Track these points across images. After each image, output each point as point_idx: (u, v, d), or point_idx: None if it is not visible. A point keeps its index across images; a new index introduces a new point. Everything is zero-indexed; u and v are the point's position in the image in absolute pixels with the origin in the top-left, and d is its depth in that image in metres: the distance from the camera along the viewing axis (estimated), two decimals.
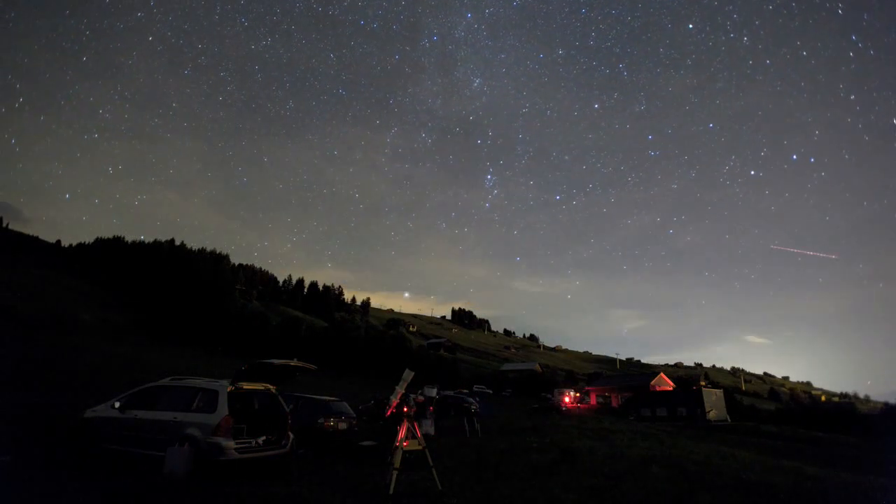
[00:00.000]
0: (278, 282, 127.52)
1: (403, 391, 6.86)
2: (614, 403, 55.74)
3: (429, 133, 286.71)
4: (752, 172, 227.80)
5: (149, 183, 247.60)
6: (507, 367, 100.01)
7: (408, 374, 6.99)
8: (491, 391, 63.41)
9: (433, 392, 9.17)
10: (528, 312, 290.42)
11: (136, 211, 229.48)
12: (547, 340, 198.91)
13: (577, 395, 53.15)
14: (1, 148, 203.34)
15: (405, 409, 6.87)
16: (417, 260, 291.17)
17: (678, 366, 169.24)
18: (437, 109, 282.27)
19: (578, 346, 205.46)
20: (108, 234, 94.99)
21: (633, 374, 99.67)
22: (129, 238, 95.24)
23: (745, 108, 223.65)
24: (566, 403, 43.92)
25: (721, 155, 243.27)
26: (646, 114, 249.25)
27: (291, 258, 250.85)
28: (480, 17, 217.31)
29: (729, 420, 44.70)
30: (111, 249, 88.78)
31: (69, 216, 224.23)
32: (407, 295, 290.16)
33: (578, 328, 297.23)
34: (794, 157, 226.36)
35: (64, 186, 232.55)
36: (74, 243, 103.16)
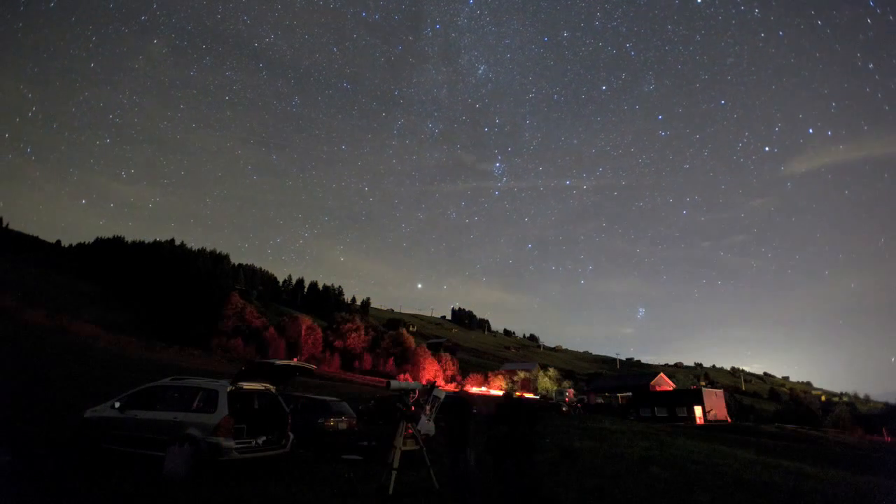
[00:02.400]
0: (278, 282, 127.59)
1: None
2: (614, 403, 55.73)
3: (435, 123, 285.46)
4: (767, 149, 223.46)
5: (161, 185, 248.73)
6: (506, 367, 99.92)
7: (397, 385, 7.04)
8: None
9: (442, 395, 9.12)
10: (541, 299, 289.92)
11: (149, 214, 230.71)
12: (547, 340, 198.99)
13: (579, 395, 53.02)
14: (17, 156, 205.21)
15: (404, 409, 6.87)
16: (428, 250, 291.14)
17: (678, 366, 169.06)
18: (443, 99, 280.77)
19: (579, 346, 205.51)
20: (124, 238, 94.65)
21: (633, 374, 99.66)
22: (130, 238, 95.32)
23: (758, 82, 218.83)
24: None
25: (734, 132, 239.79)
26: (655, 93, 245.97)
27: (304, 254, 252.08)
28: (483, 3, 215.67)
29: (729, 420, 44.72)
30: (111, 249, 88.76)
31: (86, 221, 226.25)
32: (420, 286, 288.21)
33: (592, 313, 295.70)
34: (811, 130, 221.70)
35: (80, 192, 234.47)
36: (74, 243, 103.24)
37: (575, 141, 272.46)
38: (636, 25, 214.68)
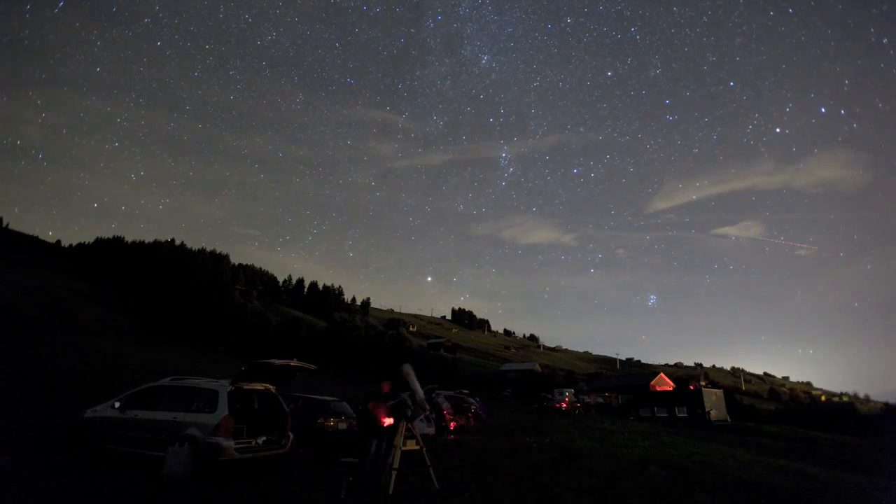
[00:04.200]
0: (278, 282, 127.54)
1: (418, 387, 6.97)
2: (614, 403, 55.74)
3: (440, 115, 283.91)
4: (778, 130, 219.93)
5: (170, 187, 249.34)
6: (507, 367, 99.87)
7: (409, 369, 7.06)
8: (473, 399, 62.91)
9: (446, 404, 8.89)
10: (551, 289, 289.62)
11: (160, 215, 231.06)
12: (547, 340, 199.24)
13: (580, 395, 52.93)
14: (28, 163, 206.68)
15: (403, 410, 6.88)
16: (437, 243, 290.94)
17: (678, 366, 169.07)
18: (447, 91, 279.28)
19: (579, 346, 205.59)
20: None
21: (633, 374, 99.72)
22: (130, 238, 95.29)
23: (768, 62, 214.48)
24: (564, 405, 43.71)
25: (743, 114, 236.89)
26: (661, 77, 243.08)
27: (313, 250, 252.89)
28: None
29: (729, 420, 44.69)
30: (111, 249, 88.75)
31: (98, 225, 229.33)
32: (430, 279, 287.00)
33: (603, 302, 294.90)
34: (823, 110, 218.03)
35: (91, 196, 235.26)
36: (72, 243, 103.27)
37: (581, 129, 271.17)
38: (641, 9, 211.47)
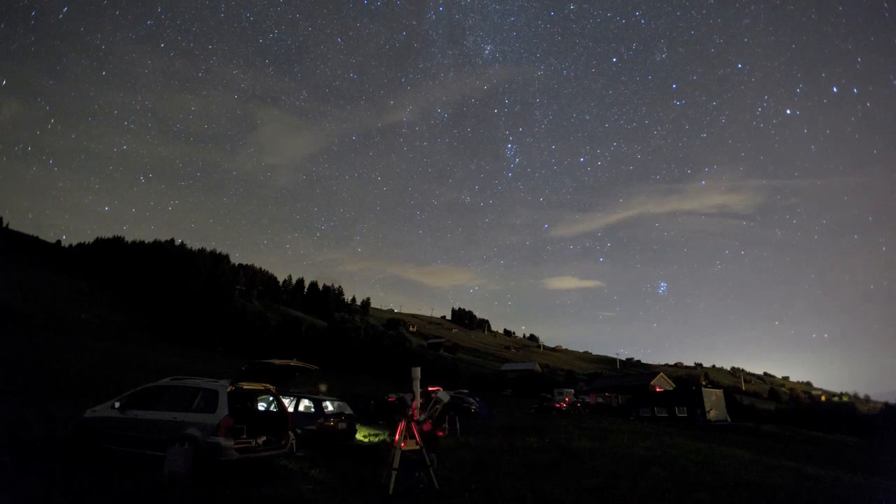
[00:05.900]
0: (278, 282, 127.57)
1: (420, 390, 6.99)
2: (614, 403, 55.74)
3: (444, 108, 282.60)
4: (788, 111, 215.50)
5: (179, 188, 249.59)
6: (506, 367, 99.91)
7: (417, 373, 7.08)
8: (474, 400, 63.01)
9: (446, 397, 8.86)
10: (559, 281, 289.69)
11: (170, 216, 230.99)
12: (547, 340, 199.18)
13: (580, 396, 52.95)
14: (39, 169, 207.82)
15: (403, 409, 6.89)
16: (444, 237, 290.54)
17: (678, 366, 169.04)
18: (451, 83, 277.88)
19: (579, 346, 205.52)
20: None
21: (633, 374, 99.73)
22: (130, 238, 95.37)
23: (777, 42, 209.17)
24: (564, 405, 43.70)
25: (752, 97, 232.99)
26: (667, 62, 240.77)
27: (322, 247, 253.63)
28: None
29: (729, 420, 44.67)
30: (111, 249, 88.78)
31: (109, 228, 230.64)
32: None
33: (612, 292, 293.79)
34: (835, 89, 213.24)
35: (102, 200, 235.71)
36: (74, 243, 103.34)
37: (587, 116, 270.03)
38: None
